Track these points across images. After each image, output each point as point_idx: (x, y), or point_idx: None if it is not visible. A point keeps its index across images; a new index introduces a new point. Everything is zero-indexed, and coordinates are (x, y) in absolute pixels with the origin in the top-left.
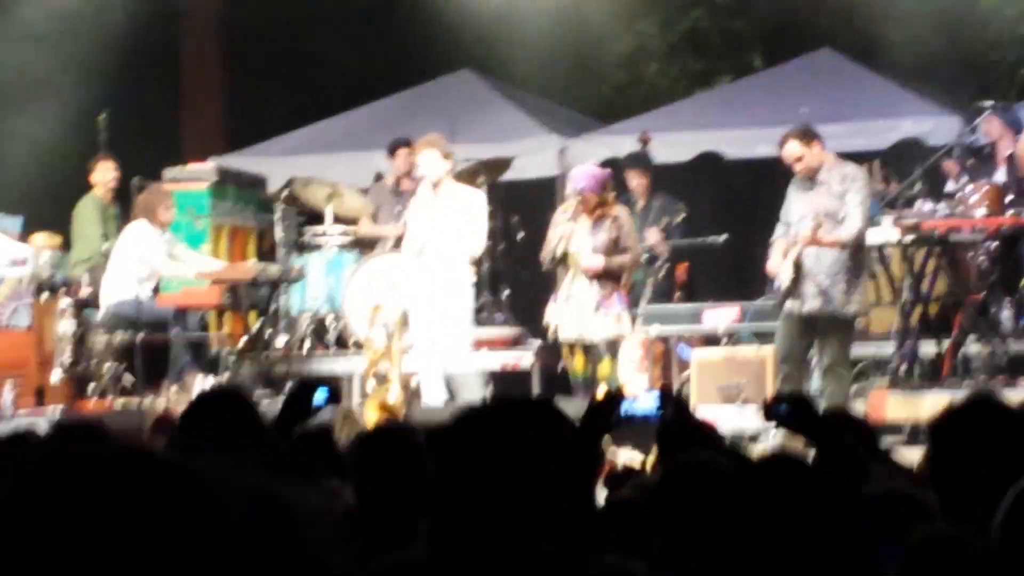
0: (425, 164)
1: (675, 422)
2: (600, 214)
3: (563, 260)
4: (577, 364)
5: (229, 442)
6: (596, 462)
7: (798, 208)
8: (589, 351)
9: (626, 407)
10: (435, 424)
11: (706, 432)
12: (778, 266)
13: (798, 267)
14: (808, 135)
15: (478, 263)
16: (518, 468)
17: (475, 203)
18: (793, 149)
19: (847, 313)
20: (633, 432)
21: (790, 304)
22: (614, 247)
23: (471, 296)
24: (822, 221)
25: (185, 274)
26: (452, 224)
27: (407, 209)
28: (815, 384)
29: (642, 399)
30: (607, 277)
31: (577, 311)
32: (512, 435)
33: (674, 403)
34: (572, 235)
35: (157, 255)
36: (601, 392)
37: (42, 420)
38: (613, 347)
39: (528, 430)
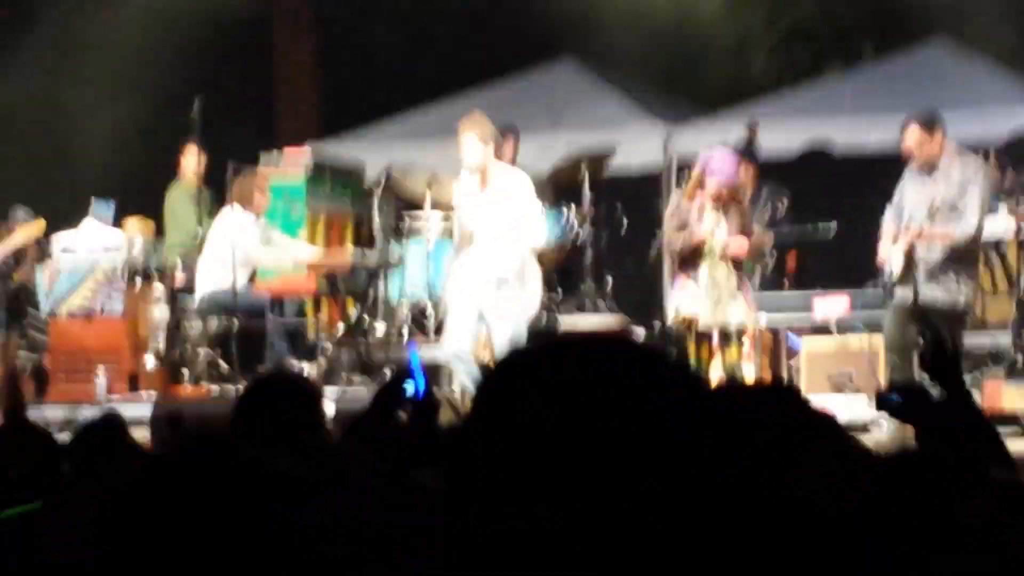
0: (465, 149)
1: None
2: (728, 201)
3: (698, 248)
4: (703, 351)
5: (285, 429)
6: None
7: (913, 196)
8: (709, 340)
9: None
10: None
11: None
12: (888, 252)
13: (909, 256)
14: (931, 122)
15: (562, 252)
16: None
17: (521, 186)
18: (914, 135)
19: (957, 304)
20: None
21: (900, 293)
22: (742, 233)
23: (538, 292)
24: (938, 207)
25: (281, 260)
26: (504, 214)
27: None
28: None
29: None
30: (738, 264)
31: (718, 297)
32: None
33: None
34: (711, 222)
35: (252, 241)
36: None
37: (136, 406)
38: (740, 335)
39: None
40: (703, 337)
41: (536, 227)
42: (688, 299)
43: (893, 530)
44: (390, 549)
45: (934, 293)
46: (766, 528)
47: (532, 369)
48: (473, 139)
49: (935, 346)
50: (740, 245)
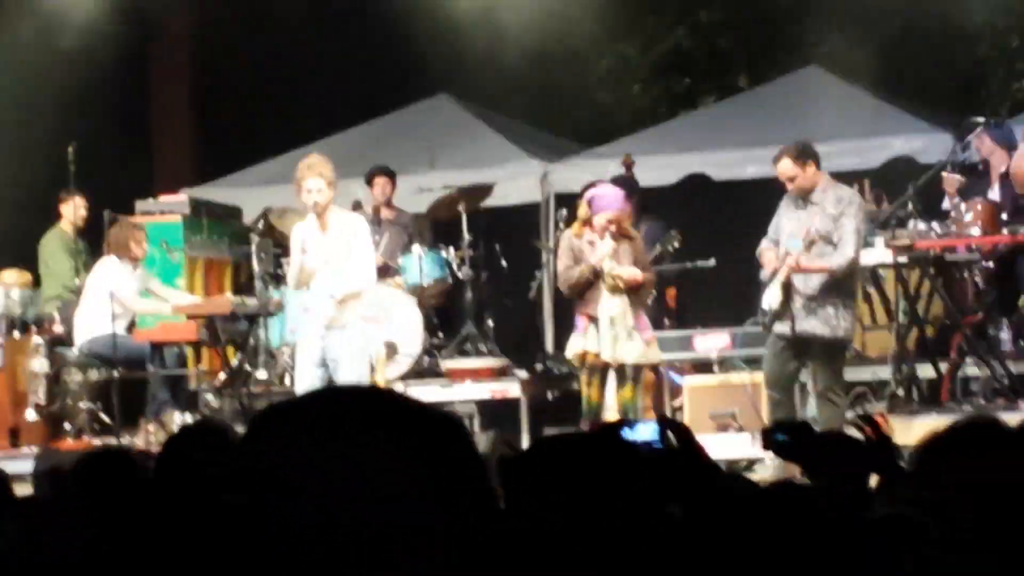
0: (310, 193)
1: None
2: (618, 234)
3: (593, 282)
4: (593, 391)
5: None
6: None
7: (789, 226)
8: (605, 377)
9: (626, 435)
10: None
11: (707, 461)
12: (770, 274)
13: (787, 288)
14: (803, 154)
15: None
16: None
17: (359, 229)
18: (787, 167)
19: (837, 336)
20: None
21: (779, 327)
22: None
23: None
24: (815, 239)
25: (160, 310)
26: (343, 256)
27: (382, 238)
28: (810, 410)
29: (641, 428)
30: (635, 301)
31: (610, 332)
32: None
33: (676, 431)
34: (605, 255)
35: (129, 292)
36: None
37: (18, 462)
38: (637, 372)
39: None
40: (594, 374)
41: (367, 272)
42: (587, 336)
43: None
44: None
45: (812, 325)
46: None
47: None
48: (320, 183)
49: (791, 432)
50: (632, 275)
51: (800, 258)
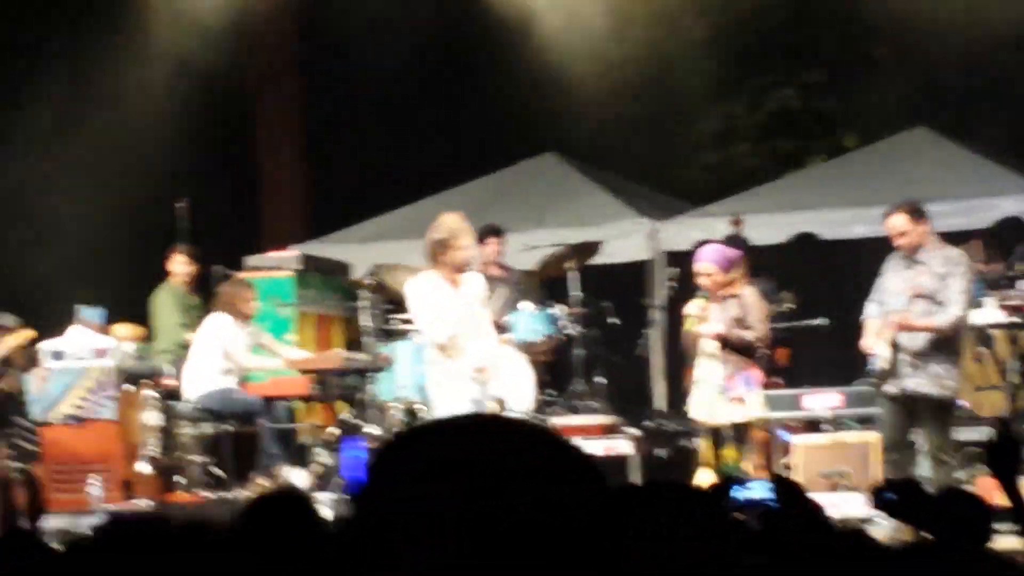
0: (465, 248)
1: (793, 511)
2: (726, 293)
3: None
4: (703, 449)
5: (284, 543)
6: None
7: (895, 286)
8: (716, 435)
9: (738, 494)
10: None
11: (822, 519)
12: (872, 344)
13: (894, 347)
14: (917, 212)
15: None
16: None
17: (481, 288)
18: (900, 222)
19: (944, 395)
20: None
21: (888, 387)
22: (738, 326)
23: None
24: (921, 293)
25: (270, 366)
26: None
27: (495, 296)
28: (922, 470)
29: (754, 486)
30: (731, 358)
31: (705, 393)
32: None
33: (790, 490)
34: (702, 314)
35: (240, 348)
36: (705, 478)
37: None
38: (738, 432)
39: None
40: (705, 432)
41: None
42: (691, 399)
43: None
44: None
45: (919, 384)
46: None
47: (417, 448)
48: (472, 241)
49: (1001, 443)
50: (711, 330)
51: (907, 315)
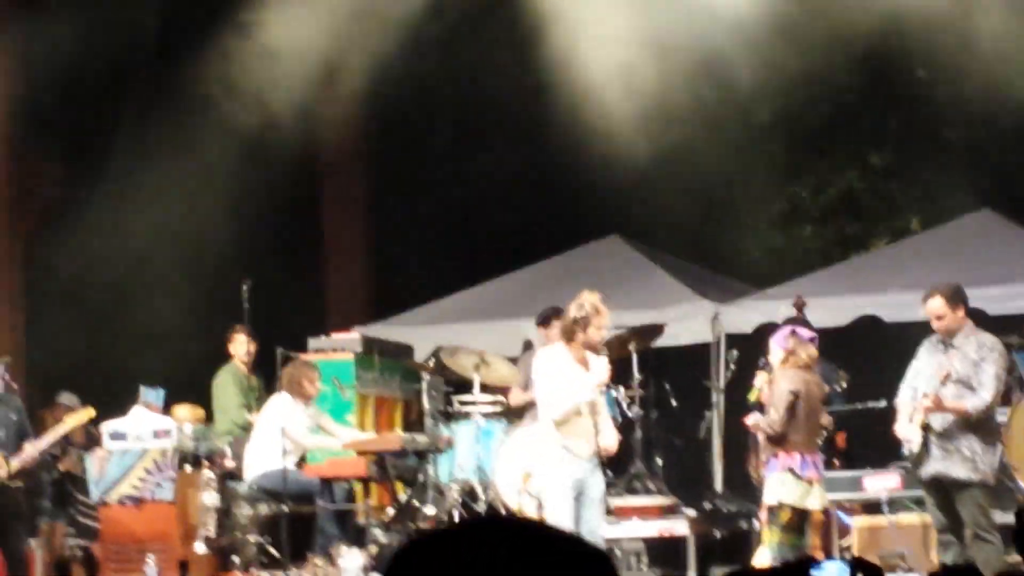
0: (601, 328)
1: None
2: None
3: None
4: (764, 530)
5: None
6: None
7: (928, 369)
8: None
9: (815, 574)
10: None
11: None
12: (905, 429)
13: (926, 429)
14: (956, 296)
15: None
16: None
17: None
18: (937, 306)
19: (974, 478)
20: None
21: (922, 470)
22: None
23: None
24: (949, 373)
25: (330, 446)
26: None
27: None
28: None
29: (829, 568)
30: (771, 440)
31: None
32: None
33: (868, 572)
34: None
35: (301, 428)
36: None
37: None
38: (773, 512)
39: None
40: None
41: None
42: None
43: None
44: None
45: (948, 467)
46: None
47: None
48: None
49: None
50: (749, 419)
51: (938, 398)
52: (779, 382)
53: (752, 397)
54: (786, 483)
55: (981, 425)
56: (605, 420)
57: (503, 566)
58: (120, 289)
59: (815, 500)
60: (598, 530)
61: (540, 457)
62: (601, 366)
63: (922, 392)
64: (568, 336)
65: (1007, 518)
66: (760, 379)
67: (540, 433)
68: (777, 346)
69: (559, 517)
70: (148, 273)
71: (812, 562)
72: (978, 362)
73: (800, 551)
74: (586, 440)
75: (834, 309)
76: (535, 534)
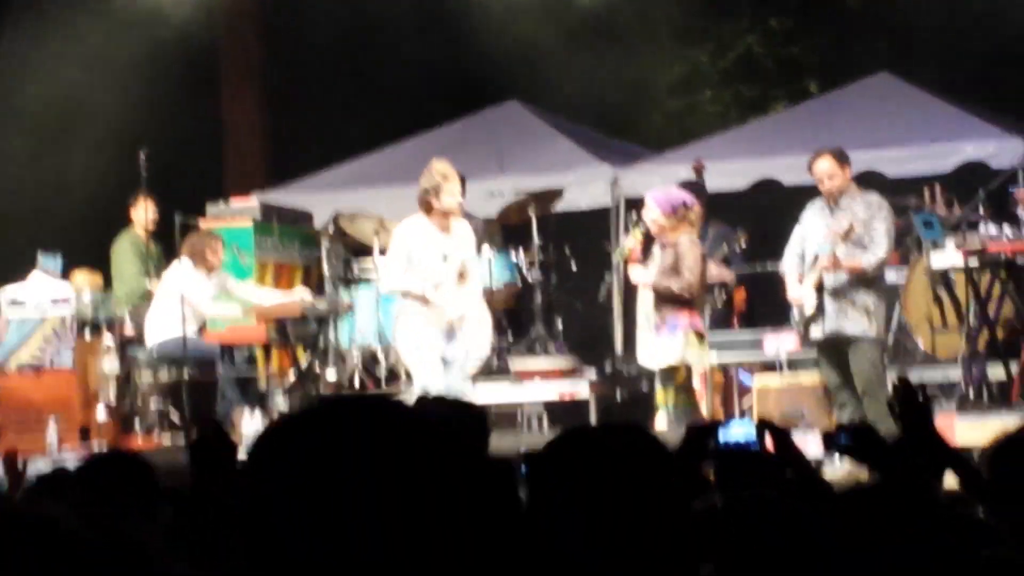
0: (454, 193)
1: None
2: (667, 240)
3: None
4: (659, 392)
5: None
6: (694, 489)
7: (817, 233)
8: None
9: (723, 436)
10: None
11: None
12: (797, 291)
13: (820, 290)
14: (843, 157)
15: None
16: (617, 492)
17: (470, 233)
18: (827, 167)
19: (869, 335)
20: None
21: (814, 332)
22: (672, 274)
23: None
24: (852, 228)
25: (230, 314)
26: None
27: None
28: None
29: (735, 427)
30: (662, 303)
31: (643, 337)
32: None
33: (774, 433)
34: (633, 253)
35: (202, 296)
36: (663, 421)
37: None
38: (667, 374)
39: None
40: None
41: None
42: (637, 341)
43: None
44: None
45: (843, 325)
46: None
47: (295, 433)
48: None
49: (904, 392)
50: (636, 277)
51: (835, 256)
52: (689, 247)
53: (622, 256)
54: (692, 343)
55: (874, 282)
56: (473, 284)
57: (364, 444)
58: (16, 157)
59: (709, 358)
60: (463, 395)
61: (401, 327)
62: (463, 231)
63: (812, 255)
64: (425, 207)
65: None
66: (632, 237)
67: (400, 302)
68: (657, 206)
69: (425, 383)
70: (46, 141)
71: (718, 423)
72: (868, 220)
73: (696, 411)
74: (445, 308)
75: (733, 172)
76: (392, 410)
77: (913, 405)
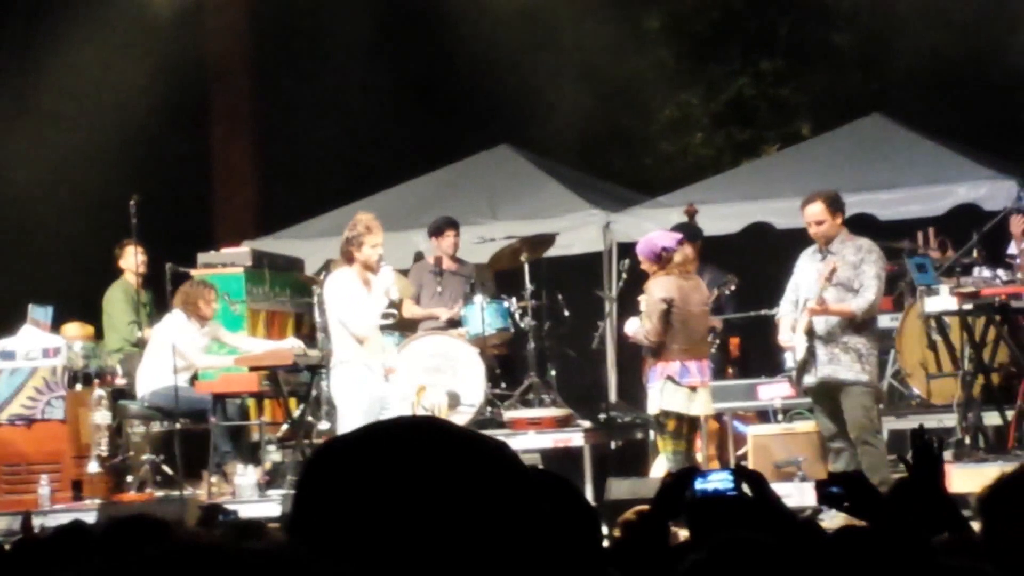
0: (376, 246)
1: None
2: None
3: None
4: (659, 440)
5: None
6: (664, 538)
7: (808, 279)
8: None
9: (699, 484)
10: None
11: (783, 510)
12: (789, 337)
13: (811, 335)
14: (836, 204)
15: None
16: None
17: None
18: (817, 211)
19: (861, 380)
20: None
21: (807, 379)
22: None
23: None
24: (835, 267)
25: (222, 364)
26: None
27: (444, 290)
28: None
29: (714, 476)
30: (649, 350)
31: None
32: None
33: (750, 480)
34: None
35: (194, 347)
36: (662, 467)
37: (82, 515)
38: (658, 422)
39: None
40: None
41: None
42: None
43: None
44: None
45: (835, 371)
46: None
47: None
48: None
49: (920, 443)
50: (627, 327)
51: (823, 299)
52: (651, 291)
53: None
54: (666, 391)
55: (865, 327)
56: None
57: (420, 464)
58: (6, 209)
59: (699, 406)
60: None
61: (338, 380)
62: (384, 278)
63: (804, 301)
64: (347, 258)
65: (900, 424)
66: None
67: (338, 355)
68: (642, 256)
69: None
70: (34, 190)
71: (697, 472)
72: (858, 264)
73: (693, 459)
74: (380, 358)
75: (725, 216)
76: (446, 432)
77: (927, 457)
